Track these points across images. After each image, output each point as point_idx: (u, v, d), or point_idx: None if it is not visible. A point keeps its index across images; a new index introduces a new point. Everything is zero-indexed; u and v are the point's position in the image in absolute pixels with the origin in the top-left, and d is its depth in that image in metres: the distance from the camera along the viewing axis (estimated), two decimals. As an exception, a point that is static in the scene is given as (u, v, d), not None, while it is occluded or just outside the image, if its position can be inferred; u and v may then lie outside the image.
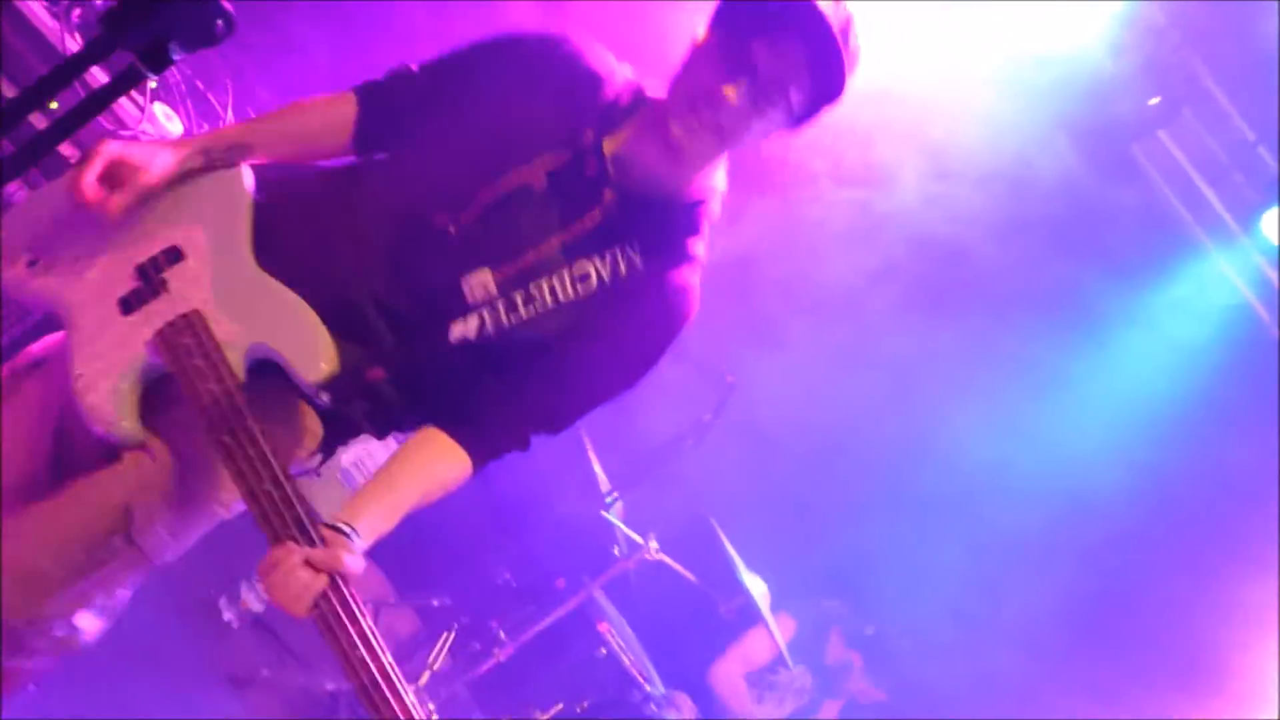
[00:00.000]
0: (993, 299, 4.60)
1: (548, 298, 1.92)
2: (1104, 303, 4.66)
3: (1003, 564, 4.60)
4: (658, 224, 1.98)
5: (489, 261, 1.90)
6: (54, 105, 2.94)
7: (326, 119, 2.06)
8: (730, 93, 1.84)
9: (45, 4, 3.07)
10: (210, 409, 1.73)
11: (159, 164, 1.90)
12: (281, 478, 1.69)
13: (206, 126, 3.46)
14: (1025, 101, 4.54)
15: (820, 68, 1.87)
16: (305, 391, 1.83)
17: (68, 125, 1.47)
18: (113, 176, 1.88)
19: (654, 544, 3.73)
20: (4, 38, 3.00)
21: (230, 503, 1.92)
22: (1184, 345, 4.78)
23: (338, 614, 1.63)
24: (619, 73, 2.05)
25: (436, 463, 1.89)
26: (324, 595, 1.63)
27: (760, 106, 1.87)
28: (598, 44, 2.07)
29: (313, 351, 1.82)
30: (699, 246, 2.02)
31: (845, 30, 1.89)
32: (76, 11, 3.11)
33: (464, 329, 1.89)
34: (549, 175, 1.94)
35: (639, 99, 2.01)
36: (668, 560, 3.73)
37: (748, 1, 1.87)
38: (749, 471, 4.38)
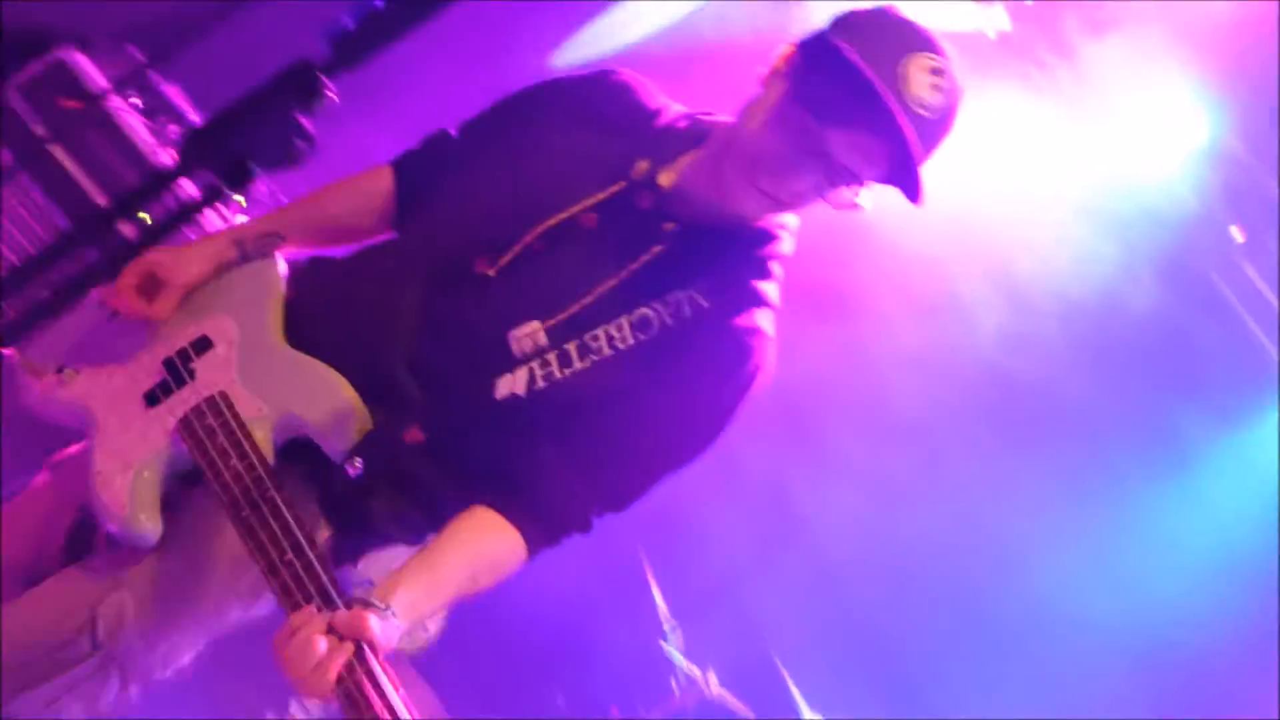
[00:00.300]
0: (1073, 432, 4.47)
1: (605, 347, 1.75)
2: (1192, 439, 4.50)
3: (1079, 711, 4.37)
4: (723, 261, 1.82)
5: (537, 311, 1.76)
6: (145, 218, 3.05)
7: (361, 195, 1.99)
8: (799, 179, 1.72)
9: (144, 121, 3.22)
10: (233, 486, 1.65)
11: (192, 266, 1.89)
12: (304, 545, 1.57)
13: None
14: (1106, 232, 4.54)
15: (900, 169, 1.71)
16: (336, 462, 1.71)
17: (155, 236, 1.54)
18: (147, 283, 1.88)
19: (714, 678, 3.63)
20: (98, 150, 3.13)
21: (252, 599, 1.80)
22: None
23: (364, 689, 1.40)
24: (671, 104, 1.94)
25: (486, 541, 1.69)
26: (349, 666, 1.42)
27: (824, 191, 1.74)
28: (645, 78, 1.97)
29: (341, 413, 1.74)
30: (771, 289, 1.85)
31: (948, 112, 1.71)
32: (172, 127, 3.26)
33: (512, 384, 1.73)
34: (600, 211, 1.81)
35: (697, 126, 1.89)
36: (727, 696, 3.63)
37: (832, 90, 1.69)
38: (813, 605, 4.26)
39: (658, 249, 1.78)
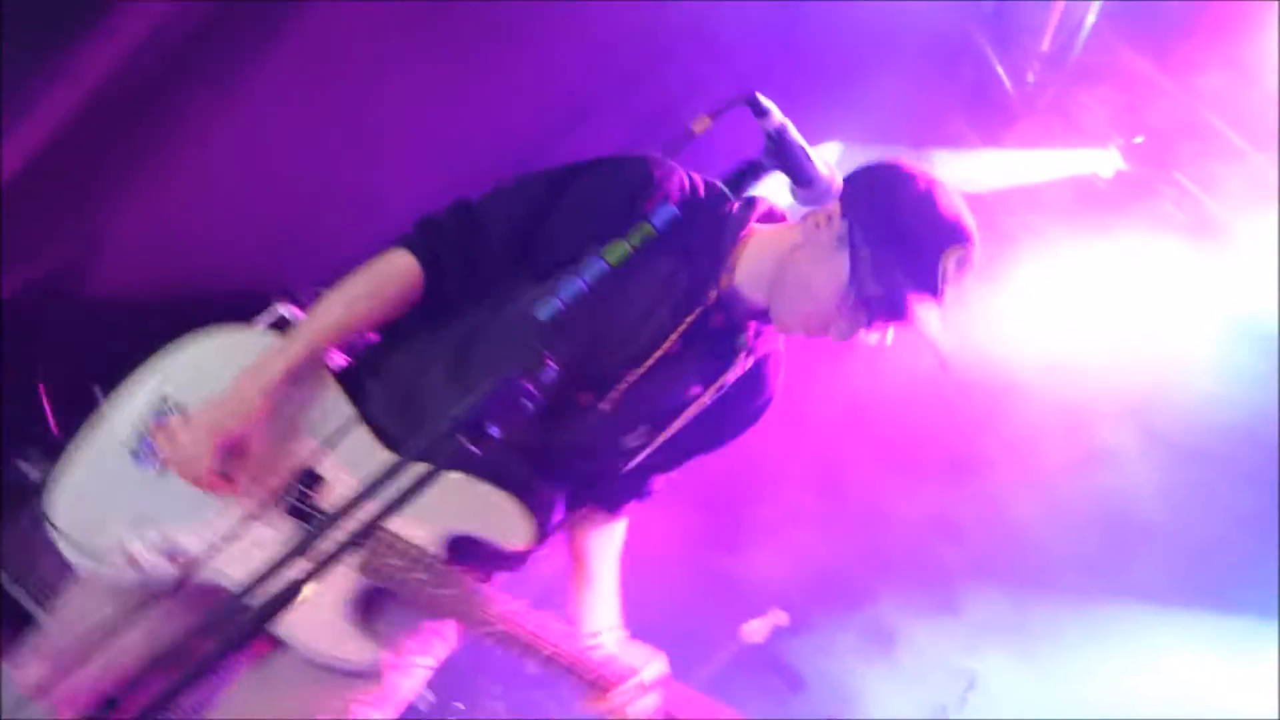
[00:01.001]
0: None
1: (695, 408, 2.13)
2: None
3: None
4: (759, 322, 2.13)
5: (643, 422, 2.09)
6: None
7: (397, 303, 2.02)
8: (838, 330, 1.98)
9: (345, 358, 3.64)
10: (458, 609, 1.96)
11: (258, 419, 1.91)
12: (561, 629, 2.00)
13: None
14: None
15: (920, 305, 1.96)
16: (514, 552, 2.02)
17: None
18: (226, 456, 1.93)
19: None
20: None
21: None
22: None
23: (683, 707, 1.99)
24: (710, 185, 2.06)
25: (612, 543, 2.28)
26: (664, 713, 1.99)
27: (856, 332, 2.00)
28: (686, 171, 2.06)
29: (512, 527, 1.99)
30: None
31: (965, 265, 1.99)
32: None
33: (632, 458, 2.14)
34: (684, 340, 2.04)
35: (733, 216, 2.07)
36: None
37: (882, 302, 1.95)
38: None
39: (743, 357, 2.11)
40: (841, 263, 1.94)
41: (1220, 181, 4.67)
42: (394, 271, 2.03)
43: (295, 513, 1.95)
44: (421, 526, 1.95)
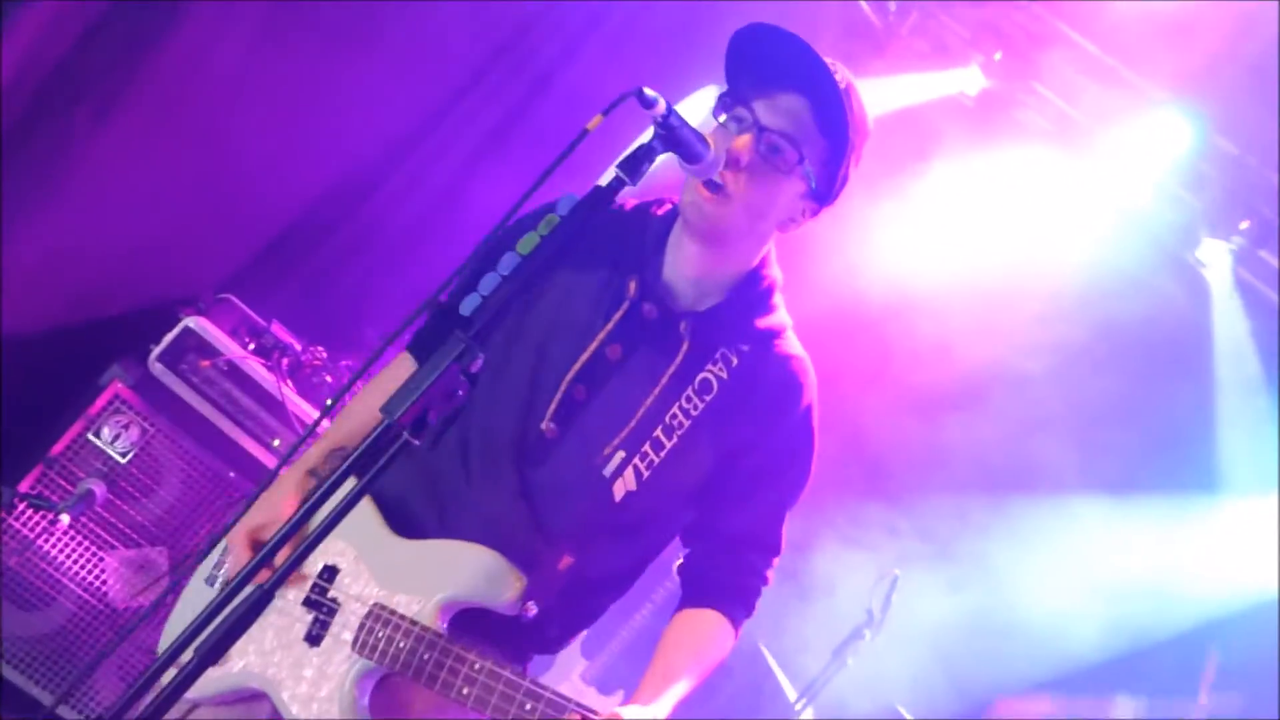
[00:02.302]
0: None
1: (684, 419, 2.01)
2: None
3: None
4: (738, 312, 2.05)
5: (607, 437, 1.97)
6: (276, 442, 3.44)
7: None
8: (741, 144, 1.88)
9: (262, 361, 3.68)
10: (435, 674, 1.82)
11: (283, 511, 1.99)
12: (537, 690, 1.78)
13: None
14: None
15: (826, 120, 1.92)
16: (510, 614, 1.89)
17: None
18: (256, 544, 1.99)
19: (850, 742, 3.87)
20: (235, 398, 3.57)
21: None
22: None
23: None
24: (626, 205, 2.08)
25: (703, 636, 2.03)
26: None
27: (773, 162, 1.91)
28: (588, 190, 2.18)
29: (494, 577, 1.89)
30: (781, 314, 2.11)
31: (848, 89, 1.94)
32: (285, 361, 3.71)
33: (624, 485, 1.99)
34: (616, 340, 1.99)
35: (657, 219, 2.06)
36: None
37: (743, 65, 1.91)
38: (928, 657, 4.50)
39: (685, 346, 2.01)
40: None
41: (1079, 89, 4.90)
42: (398, 372, 2.17)
43: (310, 604, 1.99)
44: (410, 597, 1.92)
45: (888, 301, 4.66)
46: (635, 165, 1.65)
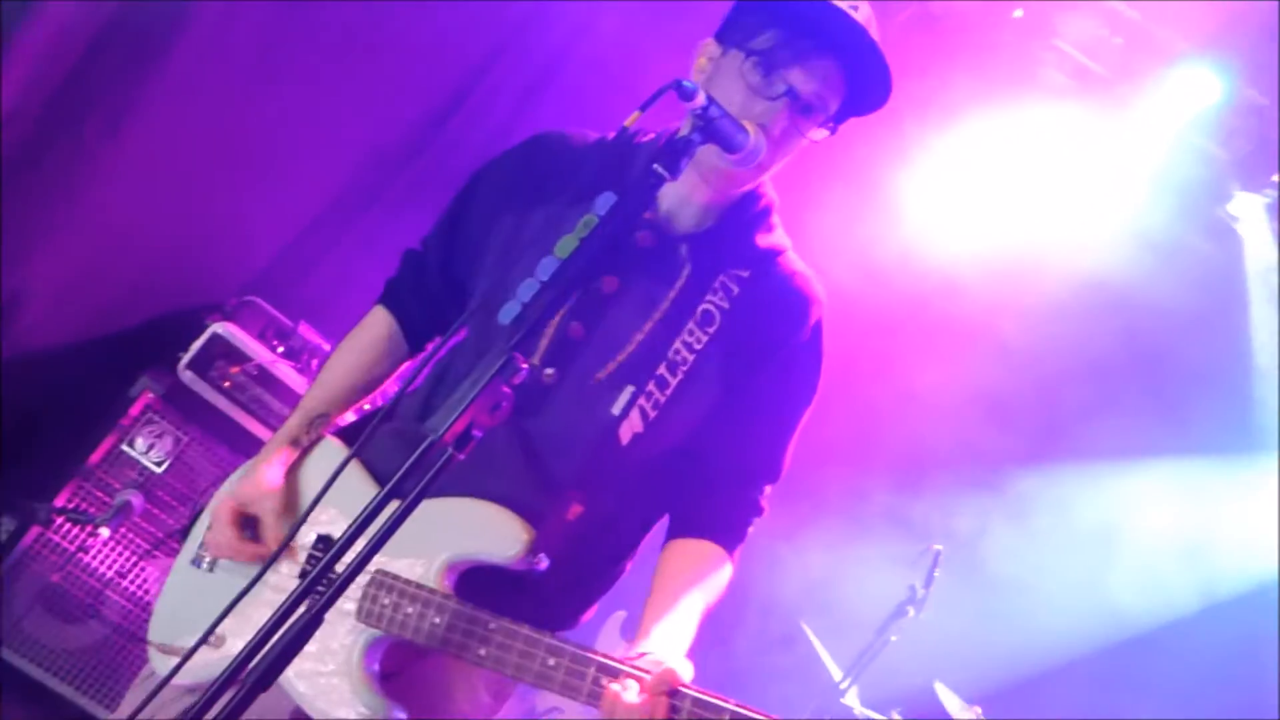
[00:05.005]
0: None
1: (687, 354, 1.92)
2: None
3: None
4: (735, 235, 1.99)
5: (605, 368, 1.88)
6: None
7: (369, 351, 2.10)
8: (777, 120, 1.81)
9: (292, 364, 3.66)
10: (447, 638, 1.75)
11: (270, 486, 1.94)
12: (557, 644, 1.70)
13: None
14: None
15: (861, 78, 1.87)
16: (520, 570, 1.80)
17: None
18: (241, 522, 1.95)
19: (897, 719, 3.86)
20: (266, 402, 3.56)
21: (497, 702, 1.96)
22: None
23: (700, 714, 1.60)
24: (606, 136, 2.01)
25: (699, 566, 1.93)
26: (672, 708, 1.62)
27: (801, 126, 1.88)
28: (573, 125, 2.05)
29: (499, 531, 1.80)
30: (780, 234, 2.04)
31: (871, 21, 1.87)
32: (315, 362, 3.69)
33: (631, 427, 1.90)
34: (610, 271, 1.91)
35: (641, 146, 1.97)
36: (915, 734, 3.84)
37: (780, 34, 1.83)
38: (971, 631, 4.47)
39: (686, 270, 1.94)
40: (724, 60, 1.90)
41: (1101, 45, 4.80)
42: (368, 323, 2.15)
43: (305, 576, 1.89)
44: (413, 560, 1.84)
45: (922, 271, 4.60)
46: (674, 159, 1.61)
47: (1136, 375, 4.64)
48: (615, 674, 1.67)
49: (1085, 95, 4.82)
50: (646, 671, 1.67)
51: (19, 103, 3.13)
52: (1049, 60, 5.00)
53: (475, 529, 1.82)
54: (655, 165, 1.58)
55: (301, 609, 1.48)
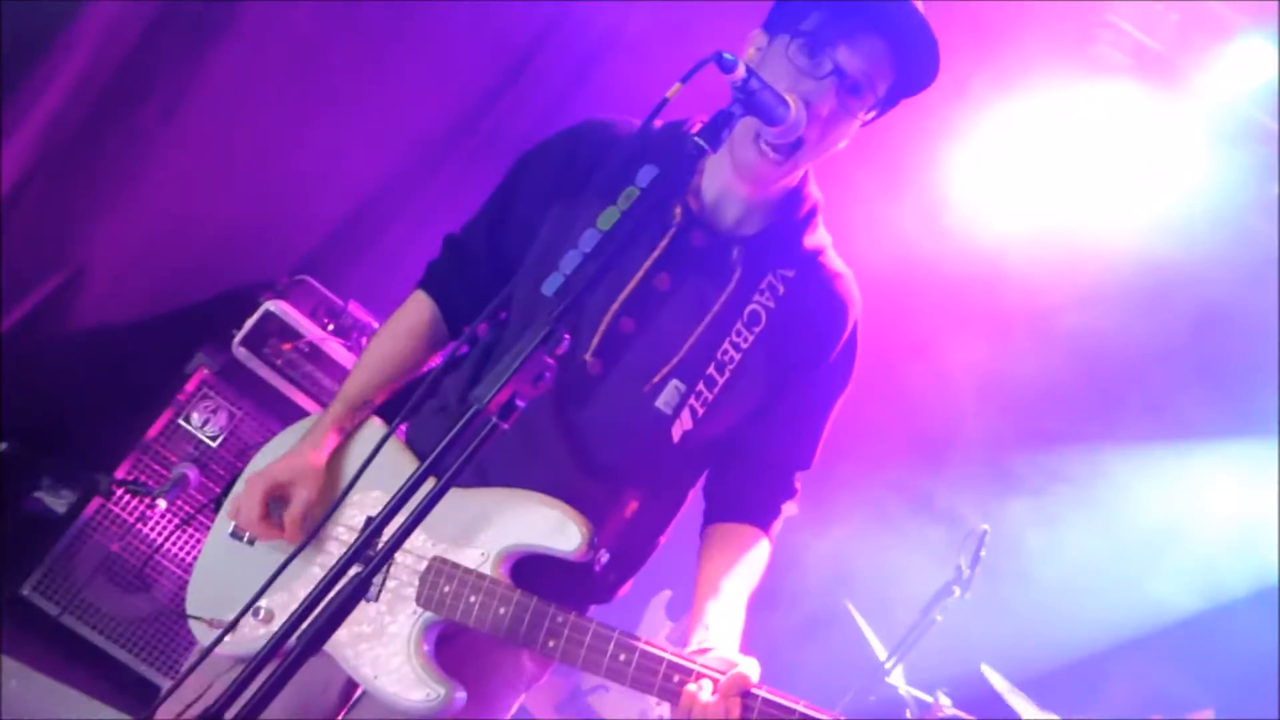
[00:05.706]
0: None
1: (734, 353, 1.95)
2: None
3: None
4: (781, 235, 2.00)
5: (656, 369, 1.91)
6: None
7: (409, 337, 2.11)
8: (824, 99, 1.80)
9: (342, 341, 3.73)
10: (514, 629, 1.78)
11: (312, 469, 1.95)
12: (626, 640, 1.75)
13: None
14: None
15: (909, 58, 1.86)
16: (577, 561, 1.83)
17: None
18: (274, 501, 1.96)
19: (945, 699, 3.83)
20: (318, 379, 3.62)
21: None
22: None
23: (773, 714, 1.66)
24: (649, 124, 1.97)
25: (742, 550, 2.00)
26: (745, 708, 1.69)
27: (849, 107, 1.86)
28: (617, 111, 2.06)
29: (558, 525, 1.83)
30: (822, 232, 2.06)
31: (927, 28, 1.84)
32: (364, 340, 3.75)
33: (681, 425, 1.95)
34: (665, 269, 1.93)
35: (689, 136, 1.94)
36: (961, 716, 3.82)
37: (824, 14, 1.82)
38: (1016, 613, 4.44)
39: (737, 273, 1.95)
40: (770, 46, 1.89)
41: (1156, 19, 4.71)
42: (408, 308, 2.17)
43: (358, 557, 1.90)
44: (472, 550, 1.87)
45: (969, 253, 4.56)
46: (715, 132, 1.62)
47: (1191, 359, 4.56)
48: (687, 672, 1.74)
49: (1140, 72, 4.74)
50: (720, 671, 1.74)
51: (76, 91, 3.21)
52: (1104, 36, 4.91)
53: (535, 521, 1.85)
54: (695, 137, 1.58)
55: (344, 581, 1.51)
